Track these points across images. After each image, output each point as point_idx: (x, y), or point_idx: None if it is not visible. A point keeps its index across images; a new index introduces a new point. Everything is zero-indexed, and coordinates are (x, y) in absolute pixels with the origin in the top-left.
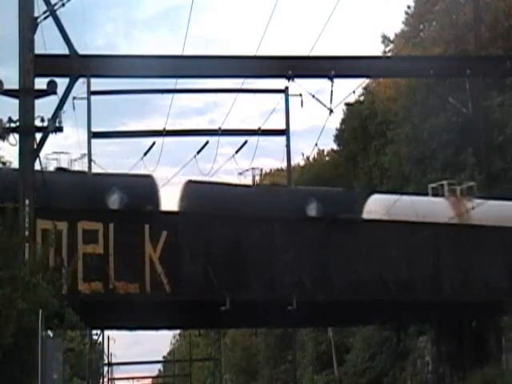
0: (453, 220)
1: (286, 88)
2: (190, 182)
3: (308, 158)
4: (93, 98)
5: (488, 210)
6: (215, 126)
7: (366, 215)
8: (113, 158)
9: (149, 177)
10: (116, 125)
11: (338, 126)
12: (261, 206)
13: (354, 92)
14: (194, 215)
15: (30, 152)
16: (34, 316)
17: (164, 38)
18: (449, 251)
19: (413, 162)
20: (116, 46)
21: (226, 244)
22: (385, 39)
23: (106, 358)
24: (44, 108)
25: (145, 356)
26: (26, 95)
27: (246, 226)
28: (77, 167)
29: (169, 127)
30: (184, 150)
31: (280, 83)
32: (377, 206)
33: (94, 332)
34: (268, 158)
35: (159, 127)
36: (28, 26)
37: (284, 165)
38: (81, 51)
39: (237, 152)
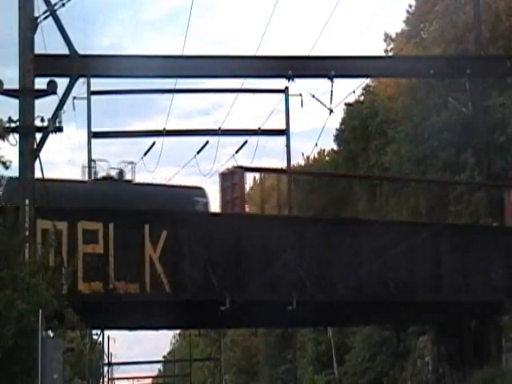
0: None
1: (286, 88)
2: None
3: (308, 158)
4: (98, 98)
5: None
6: (217, 127)
7: None
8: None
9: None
10: (121, 125)
11: (338, 126)
12: None
13: (354, 92)
14: (193, 215)
15: (29, 152)
16: (34, 317)
17: (171, 38)
18: (449, 251)
19: (413, 161)
20: (123, 47)
21: (226, 244)
22: (387, 37)
23: (106, 357)
24: (44, 108)
25: (145, 356)
26: (26, 95)
27: (246, 226)
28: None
29: (173, 127)
30: (185, 150)
31: (280, 83)
32: None
33: (94, 332)
34: (268, 157)
35: (162, 127)
36: (28, 26)
37: (284, 165)
38: (86, 52)
39: (237, 152)
